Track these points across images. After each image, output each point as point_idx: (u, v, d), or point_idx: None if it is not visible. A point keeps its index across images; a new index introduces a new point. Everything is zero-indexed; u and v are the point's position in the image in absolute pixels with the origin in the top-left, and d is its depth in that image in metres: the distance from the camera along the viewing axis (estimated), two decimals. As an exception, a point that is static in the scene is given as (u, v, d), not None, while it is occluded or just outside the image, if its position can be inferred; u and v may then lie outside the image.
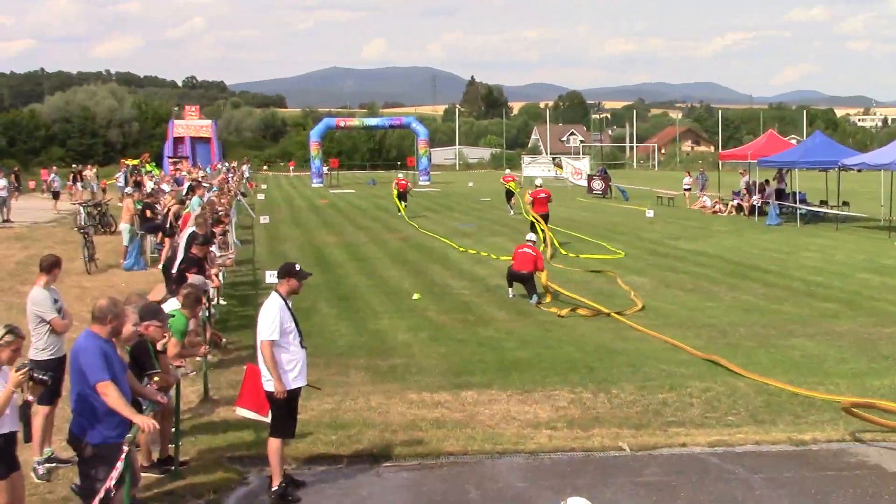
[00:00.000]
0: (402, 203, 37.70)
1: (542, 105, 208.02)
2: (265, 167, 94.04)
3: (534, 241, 18.23)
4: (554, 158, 63.51)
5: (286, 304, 8.23)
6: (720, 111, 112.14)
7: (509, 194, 39.24)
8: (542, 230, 24.65)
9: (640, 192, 50.42)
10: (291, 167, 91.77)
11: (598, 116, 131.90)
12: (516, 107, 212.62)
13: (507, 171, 49.95)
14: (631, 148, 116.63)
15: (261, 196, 48.81)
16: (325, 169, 70.51)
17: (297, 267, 8.45)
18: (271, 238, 29.16)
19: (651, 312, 16.39)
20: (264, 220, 32.79)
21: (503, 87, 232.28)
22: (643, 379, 11.82)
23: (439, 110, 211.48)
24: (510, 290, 18.01)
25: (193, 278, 12.12)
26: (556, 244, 24.82)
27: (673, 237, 28.71)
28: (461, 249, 25.77)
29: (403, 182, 39.28)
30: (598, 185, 49.96)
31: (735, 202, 37.44)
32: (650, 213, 35.63)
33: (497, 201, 41.96)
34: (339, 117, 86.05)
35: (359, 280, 20.44)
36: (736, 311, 16.47)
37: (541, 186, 27.10)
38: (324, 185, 64.88)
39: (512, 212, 37.52)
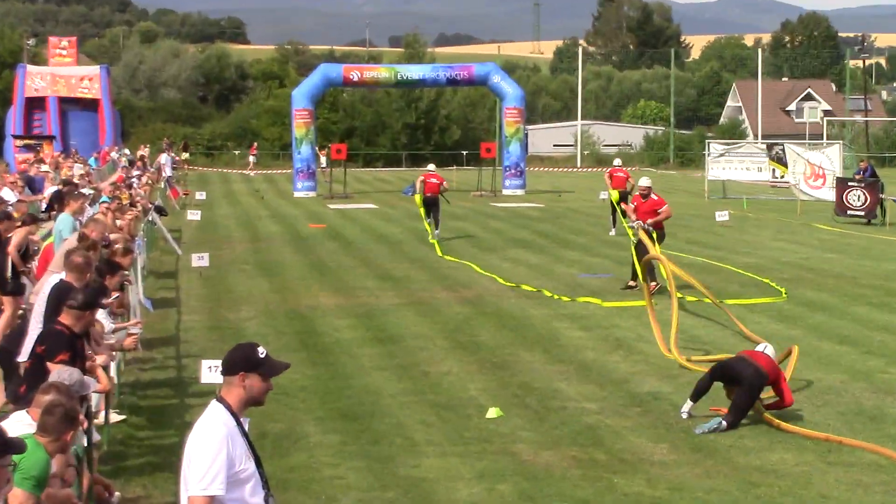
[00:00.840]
0: (429, 221, 41.01)
1: (748, 41, 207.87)
2: (184, 154, 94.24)
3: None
4: (771, 147, 63.12)
5: (239, 425, 8.32)
6: None
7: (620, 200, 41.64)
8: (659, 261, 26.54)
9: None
10: (253, 157, 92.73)
11: (859, 63, 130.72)
12: (698, 44, 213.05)
13: (618, 161, 49.86)
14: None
15: (194, 214, 49.07)
16: (321, 162, 71.15)
17: (262, 352, 8.50)
18: (214, 296, 29.51)
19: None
20: (200, 260, 33.10)
21: (673, 3, 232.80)
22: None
23: (546, 50, 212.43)
24: (689, 402, 17.85)
25: (60, 373, 12.26)
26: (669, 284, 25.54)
27: None
28: (600, 304, 25.84)
29: (434, 181, 41.30)
30: (857, 197, 49.54)
31: None
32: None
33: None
34: (348, 63, 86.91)
35: (381, 381, 20.54)
36: None
37: (649, 187, 30.44)
38: (318, 194, 65.73)
39: (613, 231, 43.50)
